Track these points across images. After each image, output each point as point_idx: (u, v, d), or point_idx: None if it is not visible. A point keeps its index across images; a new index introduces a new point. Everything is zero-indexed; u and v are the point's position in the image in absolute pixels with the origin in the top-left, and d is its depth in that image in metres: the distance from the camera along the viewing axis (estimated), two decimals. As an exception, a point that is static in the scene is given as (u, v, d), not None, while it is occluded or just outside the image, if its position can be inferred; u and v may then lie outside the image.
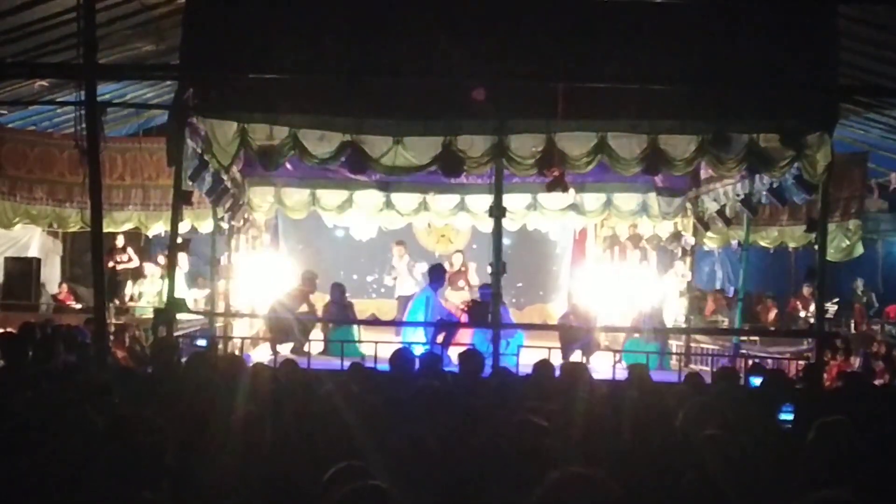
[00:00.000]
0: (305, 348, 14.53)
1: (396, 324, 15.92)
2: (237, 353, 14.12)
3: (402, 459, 5.40)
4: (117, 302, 19.63)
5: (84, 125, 11.15)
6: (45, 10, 13.97)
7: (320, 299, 17.14)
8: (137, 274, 20.38)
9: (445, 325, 14.89)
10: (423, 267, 19.19)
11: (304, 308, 15.61)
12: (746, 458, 5.42)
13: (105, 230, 12.13)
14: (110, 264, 20.08)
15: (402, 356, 9.82)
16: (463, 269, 19.12)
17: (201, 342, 13.90)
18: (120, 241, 20.71)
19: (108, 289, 20.03)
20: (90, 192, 11.16)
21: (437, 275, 16.14)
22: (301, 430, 6.38)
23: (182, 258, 18.11)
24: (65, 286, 21.56)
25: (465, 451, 5.82)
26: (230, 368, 8.94)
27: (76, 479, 4.97)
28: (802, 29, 12.60)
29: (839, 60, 13.18)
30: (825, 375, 13.25)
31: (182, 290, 17.63)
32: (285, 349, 14.49)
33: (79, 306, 20.13)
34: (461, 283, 18.75)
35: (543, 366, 9.22)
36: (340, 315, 15.98)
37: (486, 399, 7.84)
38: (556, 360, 11.32)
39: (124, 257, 20.72)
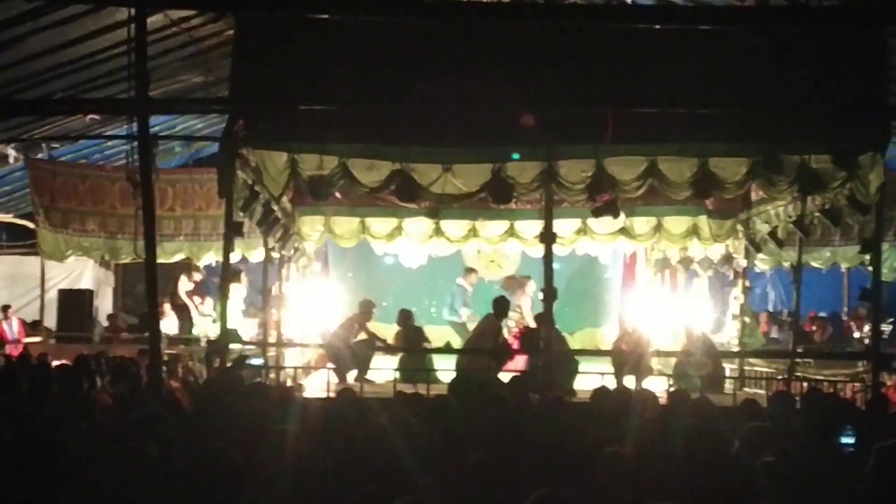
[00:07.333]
0: (368, 376, 14.43)
1: (451, 351, 15.81)
2: (290, 382, 14.08)
3: (455, 489, 5.37)
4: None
5: (136, 157, 11.28)
6: (94, 46, 14.07)
7: (380, 329, 17.01)
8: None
9: (497, 352, 14.77)
10: None
11: (361, 336, 15.45)
12: (805, 485, 5.34)
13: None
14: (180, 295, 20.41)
15: (461, 384, 9.80)
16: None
17: (256, 361, 13.90)
18: (198, 276, 20.94)
19: (181, 326, 20.29)
20: (144, 225, 11.27)
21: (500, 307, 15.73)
22: (354, 461, 6.36)
23: (238, 287, 18.20)
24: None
25: (521, 480, 5.78)
26: (282, 399, 8.96)
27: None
28: (852, 49, 12.53)
29: (890, 79, 13.09)
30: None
31: (236, 321, 17.70)
32: (349, 378, 14.40)
33: (129, 336, 20.28)
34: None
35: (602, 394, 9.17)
36: (412, 342, 15.82)
37: (540, 427, 7.77)
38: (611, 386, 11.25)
39: (197, 299, 20.86)
